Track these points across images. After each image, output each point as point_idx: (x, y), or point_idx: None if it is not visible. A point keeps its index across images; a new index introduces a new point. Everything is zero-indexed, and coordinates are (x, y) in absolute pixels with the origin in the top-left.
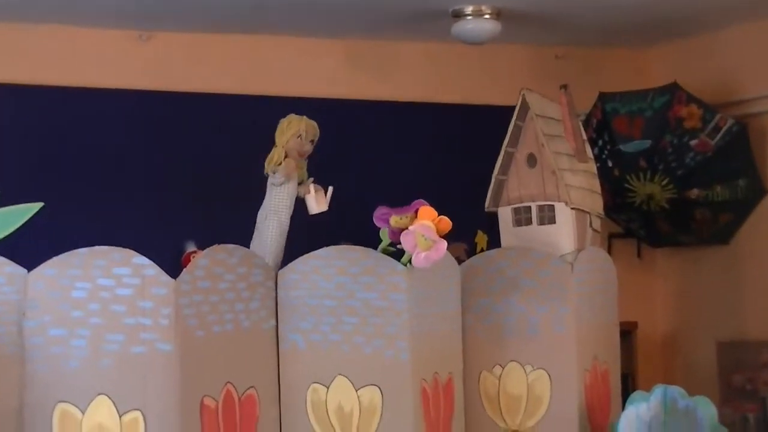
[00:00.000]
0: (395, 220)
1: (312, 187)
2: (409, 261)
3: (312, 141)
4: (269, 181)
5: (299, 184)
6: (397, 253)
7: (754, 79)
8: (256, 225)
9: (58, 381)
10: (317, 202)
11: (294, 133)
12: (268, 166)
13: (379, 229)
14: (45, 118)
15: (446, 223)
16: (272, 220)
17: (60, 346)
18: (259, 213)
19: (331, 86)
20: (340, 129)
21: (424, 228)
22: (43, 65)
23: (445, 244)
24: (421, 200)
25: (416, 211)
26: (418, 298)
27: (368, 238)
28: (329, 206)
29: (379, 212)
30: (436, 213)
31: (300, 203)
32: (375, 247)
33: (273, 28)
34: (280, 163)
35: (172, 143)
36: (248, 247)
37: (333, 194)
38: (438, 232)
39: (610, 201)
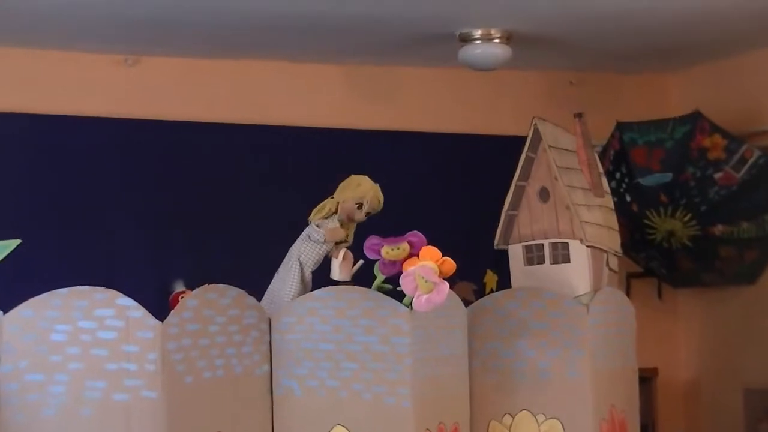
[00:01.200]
0: (387, 251)
1: (342, 253)
2: (410, 303)
3: (369, 213)
4: (309, 230)
5: (336, 243)
6: (393, 291)
7: None
8: (282, 264)
9: (35, 430)
10: (341, 270)
11: (356, 198)
12: (315, 216)
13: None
14: (22, 146)
15: (450, 264)
16: (295, 269)
17: (37, 392)
18: (286, 257)
19: (329, 114)
20: (339, 159)
21: (424, 270)
22: (22, 90)
23: (446, 286)
24: (416, 231)
25: (410, 242)
26: (421, 342)
27: (370, 276)
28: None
29: (370, 242)
30: (439, 253)
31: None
32: (388, 292)
33: (267, 52)
34: (327, 217)
35: (159, 174)
36: (242, 287)
37: (360, 268)
38: (441, 273)
39: (629, 238)
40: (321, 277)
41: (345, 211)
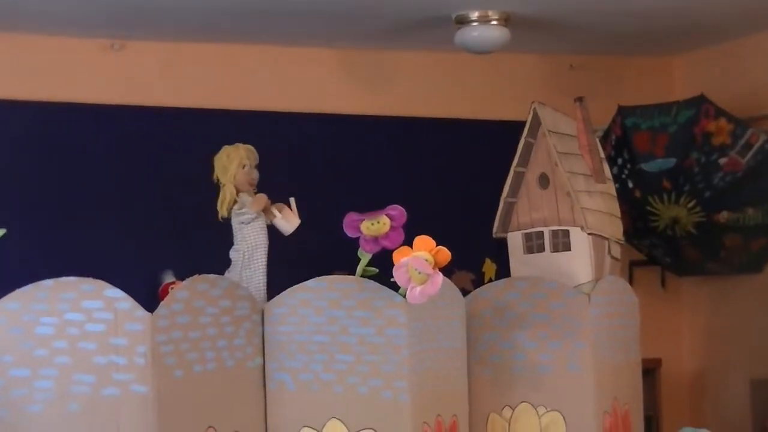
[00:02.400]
0: (367, 226)
1: (275, 209)
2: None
3: (256, 166)
4: (237, 221)
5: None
6: (379, 275)
7: None
8: (232, 265)
9: (21, 427)
10: (288, 220)
11: (238, 165)
12: (224, 208)
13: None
14: (4, 134)
15: (445, 254)
16: (259, 256)
17: (23, 388)
18: (233, 253)
19: (323, 100)
20: (333, 146)
21: (416, 261)
22: (4, 76)
23: (440, 276)
24: (395, 205)
25: (389, 215)
26: (418, 333)
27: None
28: (301, 218)
29: (349, 219)
30: (433, 243)
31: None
32: (373, 276)
33: (258, 36)
34: (236, 201)
35: (147, 162)
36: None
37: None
38: (436, 264)
39: (631, 225)
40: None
41: (243, 182)
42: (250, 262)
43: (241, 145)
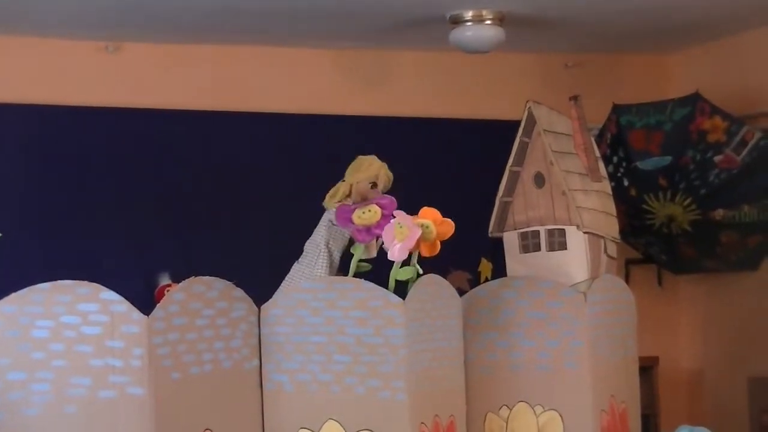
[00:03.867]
0: (358, 215)
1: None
2: (364, 257)
3: (380, 192)
4: (328, 217)
5: None
6: (372, 271)
7: None
8: (304, 254)
9: (18, 430)
10: (367, 247)
11: (369, 178)
12: (331, 201)
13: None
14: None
15: (449, 226)
16: (324, 255)
17: (19, 391)
18: (308, 244)
19: (318, 100)
20: (329, 146)
21: (402, 216)
22: None
23: (419, 232)
24: (384, 195)
25: (379, 204)
26: (415, 333)
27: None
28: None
29: (341, 211)
30: (439, 214)
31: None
32: (370, 277)
33: (253, 37)
34: (342, 201)
35: (143, 164)
36: (229, 279)
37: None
38: (439, 235)
39: (627, 224)
40: None
41: (360, 193)
42: (316, 261)
43: (385, 167)
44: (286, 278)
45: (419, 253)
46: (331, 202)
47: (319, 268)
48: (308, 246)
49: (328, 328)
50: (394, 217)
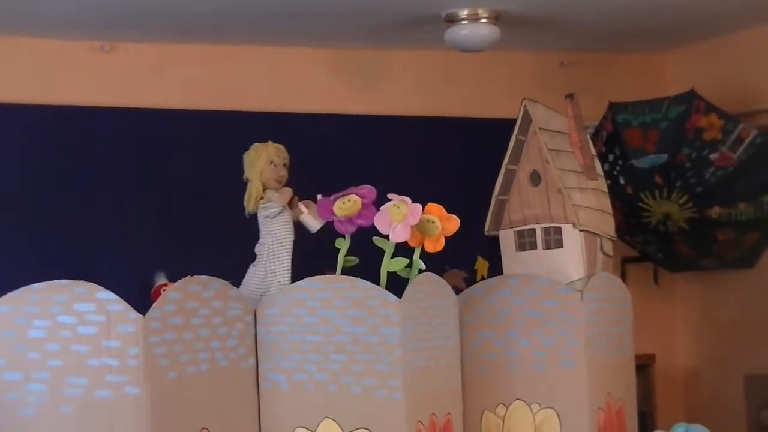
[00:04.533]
0: (339, 206)
1: (302, 205)
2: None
3: (285, 164)
4: (262, 215)
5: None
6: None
7: None
8: (257, 259)
9: (15, 431)
10: (315, 217)
11: (266, 161)
12: (251, 204)
13: (372, 249)
14: None
15: (454, 222)
16: (284, 250)
17: (16, 391)
18: (258, 247)
19: (313, 100)
20: (324, 146)
21: (396, 197)
22: None
23: (419, 207)
24: (364, 185)
25: (359, 194)
26: (411, 332)
27: (358, 266)
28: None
29: (321, 203)
30: (444, 210)
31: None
32: (367, 276)
33: (248, 36)
34: (261, 197)
35: (139, 164)
36: (225, 278)
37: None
38: (444, 231)
39: (623, 222)
40: (310, 268)
41: (270, 179)
42: (275, 255)
43: (271, 143)
44: (243, 282)
45: (423, 248)
46: (254, 204)
47: (278, 262)
48: (259, 248)
49: (325, 328)
50: (375, 205)
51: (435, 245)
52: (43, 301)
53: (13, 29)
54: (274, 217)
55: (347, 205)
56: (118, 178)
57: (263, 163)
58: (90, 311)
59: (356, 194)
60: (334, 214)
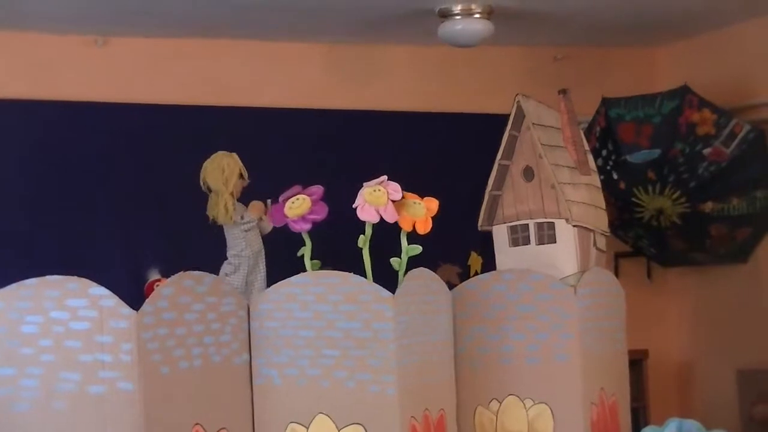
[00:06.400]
0: (289, 207)
1: (263, 209)
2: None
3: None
4: (239, 229)
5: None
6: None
7: None
8: (234, 272)
9: (6, 426)
10: (268, 221)
11: (237, 175)
12: (229, 216)
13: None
14: None
15: (433, 200)
16: (261, 260)
17: (8, 387)
18: (233, 260)
19: (307, 95)
20: (318, 141)
21: (369, 183)
22: None
23: (397, 185)
24: (297, 186)
25: (306, 193)
26: (405, 327)
27: (352, 261)
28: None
29: (273, 210)
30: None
31: None
32: (362, 271)
33: (242, 31)
34: (234, 209)
35: (132, 158)
36: (218, 274)
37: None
38: (429, 211)
39: (616, 217)
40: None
41: (237, 192)
42: (255, 266)
43: (234, 155)
44: None
45: (415, 230)
46: (227, 217)
47: (256, 272)
48: (236, 260)
49: (317, 323)
50: (323, 200)
51: (425, 226)
52: (35, 296)
53: (6, 24)
54: (249, 230)
55: (296, 204)
56: (111, 173)
57: (236, 176)
58: (83, 306)
59: (303, 193)
60: (286, 216)
